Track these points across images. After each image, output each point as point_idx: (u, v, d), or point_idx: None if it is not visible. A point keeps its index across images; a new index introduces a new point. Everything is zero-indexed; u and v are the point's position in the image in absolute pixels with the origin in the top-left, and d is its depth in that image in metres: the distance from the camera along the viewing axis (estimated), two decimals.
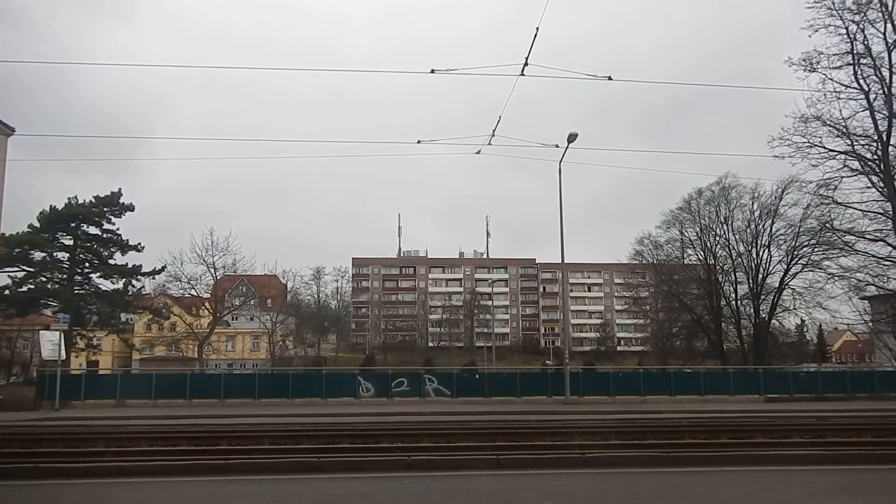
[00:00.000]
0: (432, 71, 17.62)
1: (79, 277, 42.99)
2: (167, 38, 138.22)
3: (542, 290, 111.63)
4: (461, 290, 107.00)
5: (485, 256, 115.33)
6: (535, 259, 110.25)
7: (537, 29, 16.66)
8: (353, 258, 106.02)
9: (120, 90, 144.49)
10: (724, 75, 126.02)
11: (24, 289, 40.74)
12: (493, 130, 21.55)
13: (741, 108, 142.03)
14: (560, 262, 28.87)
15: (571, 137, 24.89)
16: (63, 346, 25.69)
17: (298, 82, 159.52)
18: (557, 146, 25.46)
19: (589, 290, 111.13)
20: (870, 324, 37.40)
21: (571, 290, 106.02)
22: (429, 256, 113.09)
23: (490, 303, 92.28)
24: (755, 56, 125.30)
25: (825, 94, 29.51)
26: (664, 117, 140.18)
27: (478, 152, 23.95)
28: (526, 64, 17.31)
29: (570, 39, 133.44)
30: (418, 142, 25.00)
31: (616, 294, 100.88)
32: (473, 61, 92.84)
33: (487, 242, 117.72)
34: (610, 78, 18.84)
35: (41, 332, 27.80)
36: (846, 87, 29.47)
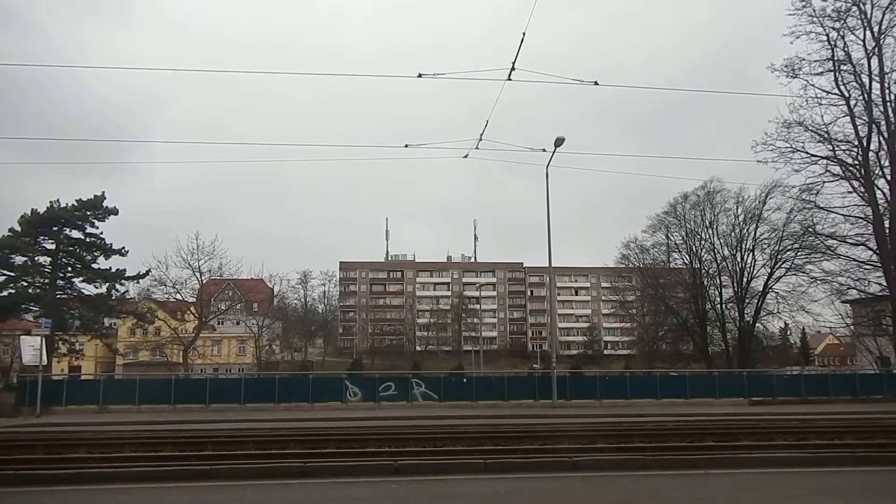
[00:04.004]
0: (419, 75, 17.66)
1: (61, 282, 42.33)
2: (162, 37, 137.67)
3: (529, 293, 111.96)
4: (449, 293, 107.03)
5: (472, 260, 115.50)
6: (522, 263, 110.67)
7: (524, 34, 16.80)
8: (340, 262, 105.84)
9: (114, 91, 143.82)
10: (720, 79, 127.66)
11: (5, 293, 40.04)
12: (481, 135, 21.65)
13: (733, 112, 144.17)
14: (547, 265, 29.00)
15: (558, 142, 24.98)
16: (44, 352, 25.33)
17: (291, 83, 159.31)
18: (544, 150, 25.53)
19: (576, 294, 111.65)
20: (851, 327, 37.95)
21: (559, 294, 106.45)
22: (417, 260, 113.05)
23: (478, 307, 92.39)
24: (750, 60, 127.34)
25: (807, 100, 30.09)
26: (655, 121, 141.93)
27: (465, 156, 24.05)
28: (513, 69, 17.43)
29: (565, 44, 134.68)
30: (406, 146, 24.92)
31: (603, 298, 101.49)
32: (473, 62, 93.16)
33: (475, 246, 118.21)
34: (596, 83, 19.00)
35: (22, 337, 27.40)
36: (827, 93, 30.05)
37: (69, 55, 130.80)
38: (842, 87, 29.89)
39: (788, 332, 62.64)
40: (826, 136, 30.30)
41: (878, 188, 30.28)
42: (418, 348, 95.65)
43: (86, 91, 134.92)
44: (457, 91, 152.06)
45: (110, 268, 42.45)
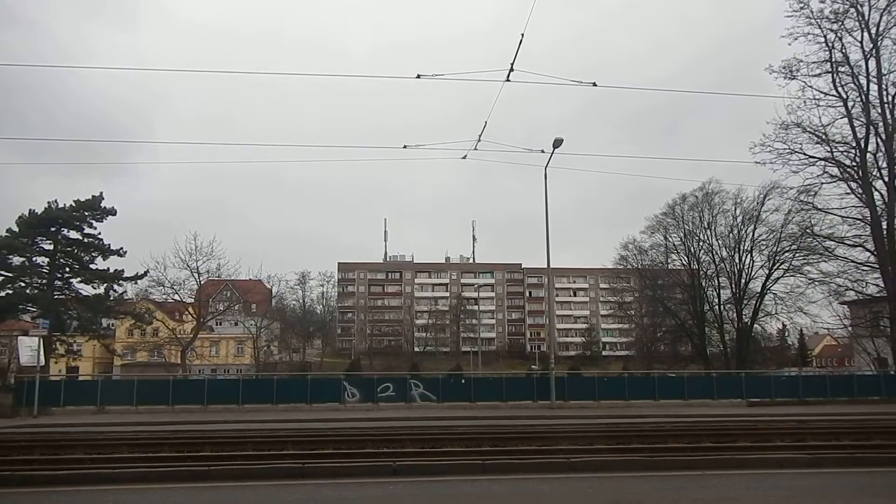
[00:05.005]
0: (418, 76, 17.70)
1: (59, 282, 42.31)
2: (164, 29, 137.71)
3: (527, 294, 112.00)
4: (447, 294, 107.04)
5: (471, 261, 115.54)
6: (521, 264, 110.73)
7: (522, 35, 16.82)
8: (338, 263, 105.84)
9: (116, 87, 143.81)
10: (721, 77, 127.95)
11: (3, 294, 40.02)
12: (479, 136, 21.69)
13: (734, 112, 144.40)
14: (546, 266, 29.01)
15: (557, 143, 24.95)
16: (42, 352, 25.28)
17: (291, 79, 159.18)
18: (543, 151, 25.45)
19: (574, 295, 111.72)
20: (849, 328, 37.99)
21: (557, 295, 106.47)
22: (415, 261, 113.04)
23: (476, 308, 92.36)
24: (752, 59, 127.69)
25: (805, 102, 30.13)
26: (655, 121, 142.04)
27: (464, 157, 23.89)
28: (511, 70, 17.46)
29: (563, 39, 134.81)
30: (404, 147, 24.87)
31: (601, 299, 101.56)
32: (475, 54, 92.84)
33: (474, 247, 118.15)
34: (595, 84, 19.04)
35: (20, 337, 27.32)
36: (825, 94, 30.09)
37: (73, 53, 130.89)
38: (840, 89, 29.98)
39: (786, 334, 62.70)
40: (824, 137, 30.39)
41: (876, 189, 30.34)
42: (417, 349, 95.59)
43: (88, 88, 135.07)
44: (457, 85, 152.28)
45: (108, 268, 42.50)
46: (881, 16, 28.90)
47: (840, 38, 29.53)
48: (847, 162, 30.65)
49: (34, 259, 41.45)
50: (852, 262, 32.02)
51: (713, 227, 43.62)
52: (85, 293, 42.86)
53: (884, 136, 29.73)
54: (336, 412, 23.58)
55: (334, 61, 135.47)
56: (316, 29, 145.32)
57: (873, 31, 29.09)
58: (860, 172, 30.17)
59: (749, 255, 41.72)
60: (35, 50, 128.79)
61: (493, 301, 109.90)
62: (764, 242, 40.69)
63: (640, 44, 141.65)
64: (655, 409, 23.57)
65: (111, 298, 43.69)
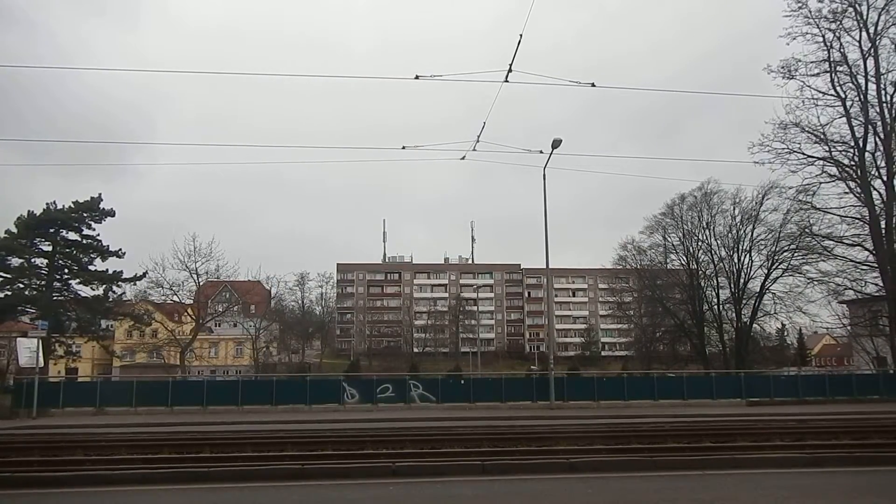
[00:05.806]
0: (416, 77, 17.68)
1: (57, 284, 42.31)
2: (165, 30, 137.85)
3: (527, 295, 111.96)
4: (446, 295, 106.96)
5: (470, 262, 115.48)
6: (520, 265, 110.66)
7: (521, 35, 16.80)
8: (337, 264, 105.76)
9: (117, 88, 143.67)
10: (722, 76, 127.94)
11: (2, 295, 40.01)
12: (478, 137, 21.74)
13: (733, 112, 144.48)
14: (545, 266, 29.01)
15: (555, 143, 24.96)
16: (41, 354, 25.27)
17: (291, 79, 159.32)
18: (542, 152, 25.42)
19: (573, 296, 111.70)
20: (848, 328, 38.01)
21: (556, 296, 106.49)
22: (414, 262, 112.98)
23: (475, 308, 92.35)
24: (752, 58, 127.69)
25: (803, 101, 30.19)
26: (655, 120, 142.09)
27: (463, 158, 23.80)
28: (510, 70, 17.47)
29: (563, 39, 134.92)
30: (403, 147, 24.89)
31: (600, 299, 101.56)
32: (474, 55, 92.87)
33: (473, 248, 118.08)
34: (593, 84, 19.03)
35: (18, 339, 27.30)
36: (823, 94, 30.13)
37: (73, 54, 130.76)
38: (838, 89, 30.03)
39: (785, 333, 62.82)
40: (822, 137, 30.44)
41: (875, 189, 30.37)
42: (416, 350, 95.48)
43: (88, 89, 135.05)
44: (456, 86, 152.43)
45: (107, 270, 42.51)
46: (879, 15, 29.01)
47: (838, 38, 29.63)
48: (845, 161, 30.72)
49: (33, 260, 41.47)
50: (851, 261, 32.10)
51: (712, 227, 43.71)
52: (84, 294, 42.90)
53: (882, 136, 29.78)
54: (335, 413, 23.57)
55: (334, 62, 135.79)
56: (316, 29, 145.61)
57: (871, 30, 29.17)
58: (859, 172, 30.21)
59: (748, 255, 41.80)
60: (35, 51, 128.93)
61: (493, 301, 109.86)
62: (763, 242, 40.79)
63: (640, 44, 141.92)
64: (655, 410, 23.58)
65: (110, 300, 43.67)
